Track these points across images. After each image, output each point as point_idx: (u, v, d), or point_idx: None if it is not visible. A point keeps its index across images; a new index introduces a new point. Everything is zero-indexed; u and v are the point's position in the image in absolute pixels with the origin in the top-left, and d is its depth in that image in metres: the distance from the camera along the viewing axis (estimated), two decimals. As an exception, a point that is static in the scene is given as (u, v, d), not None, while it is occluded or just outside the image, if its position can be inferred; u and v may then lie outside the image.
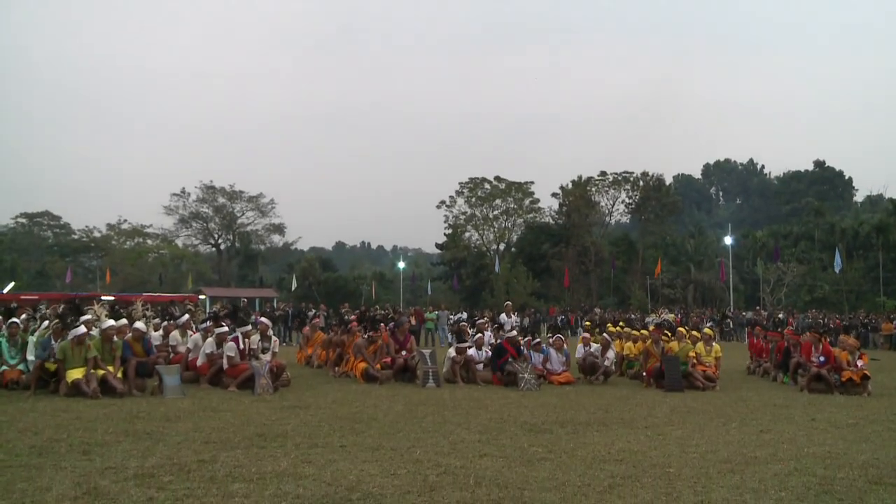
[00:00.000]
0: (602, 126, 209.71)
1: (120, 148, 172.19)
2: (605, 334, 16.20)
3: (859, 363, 13.59)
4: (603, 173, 76.52)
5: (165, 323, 15.31)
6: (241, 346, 12.70)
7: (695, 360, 14.14)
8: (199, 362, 13.02)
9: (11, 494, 5.21)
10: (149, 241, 78.85)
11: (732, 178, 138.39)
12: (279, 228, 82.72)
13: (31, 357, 11.82)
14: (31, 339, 12.17)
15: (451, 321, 30.98)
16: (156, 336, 14.23)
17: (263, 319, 14.65)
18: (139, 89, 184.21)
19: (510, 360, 14.00)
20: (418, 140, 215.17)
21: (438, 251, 79.77)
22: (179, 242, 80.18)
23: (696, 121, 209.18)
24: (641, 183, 75.71)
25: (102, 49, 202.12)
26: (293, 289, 60.32)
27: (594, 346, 15.23)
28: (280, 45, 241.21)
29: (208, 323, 14.14)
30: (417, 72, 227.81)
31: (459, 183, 77.24)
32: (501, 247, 76.75)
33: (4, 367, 11.89)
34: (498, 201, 76.78)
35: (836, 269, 50.62)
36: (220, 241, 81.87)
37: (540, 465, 6.54)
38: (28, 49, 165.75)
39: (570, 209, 73.41)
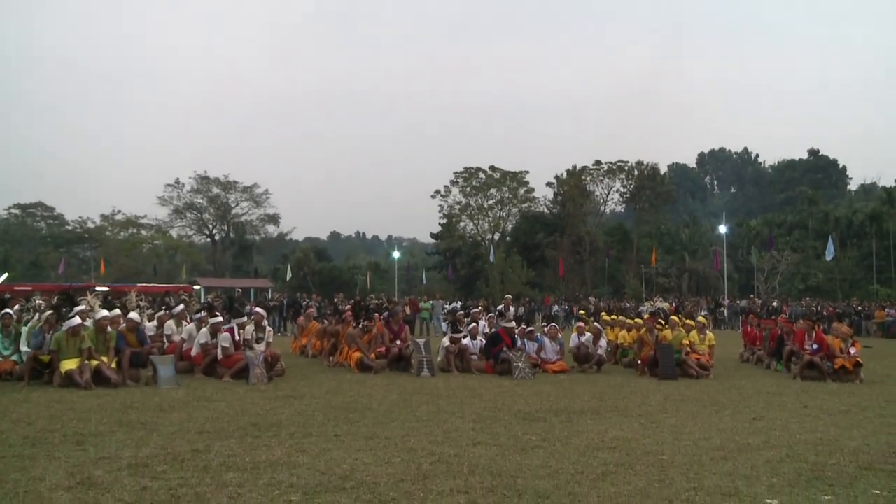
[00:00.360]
0: (597, 115, 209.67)
1: (113, 138, 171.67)
2: (596, 323, 16.20)
3: (852, 351, 13.64)
4: (597, 162, 76.62)
5: (160, 313, 15.29)
6: (237, 336, 12.70)
7: (689, 349, 14.18)
8: (193, 352, 13.03)
9: (5, 485, 5.21)
10: (143, 232, 78.59)
11: (727, 167, 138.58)
12: (274, 218, 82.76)
13: (24, 348, 11.81)
14: (24, 330, 12.15)
15: (446, 310, 31.01)
16: (150, 326, 14.24)
17: (258, 310, 14.64)
18: (131, 79, 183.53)
19: (505, 348, 14.03)
20: (413, 130, 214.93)
21: (433, 241, 79.82)
22: (174, 233, 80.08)
23: (691, 110, 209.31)
24: (636, 172, 75.84)
25: (94, 39, 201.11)
26: (288, 279, 60.26)
27: (586, 336, 15.25)
28: (279, 38, 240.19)
29: (203, 313, 14.14)
30: (412, 61, 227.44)
31: (454, 172, 77.37)
32: (496, 236, 76.84)
33: (-1, 358, 11.88)
34: (492, 191, 76.81)
35: (828, 258, 50.74)
36: (214, 231, 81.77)
37: (534, 453, 6.56)
38: (19, 39, 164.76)
39: (564, 198, 73.51)
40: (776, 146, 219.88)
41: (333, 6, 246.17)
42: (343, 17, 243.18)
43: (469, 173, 76.50)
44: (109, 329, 11.69)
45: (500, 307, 20.55)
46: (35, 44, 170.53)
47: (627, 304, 39.93)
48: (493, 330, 15.25)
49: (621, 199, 79.89)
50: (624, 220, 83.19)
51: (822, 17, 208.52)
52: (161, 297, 25.76)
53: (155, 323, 15.02)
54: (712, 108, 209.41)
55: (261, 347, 12.80)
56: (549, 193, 76.77)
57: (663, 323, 15.10)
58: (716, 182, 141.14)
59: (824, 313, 32.28)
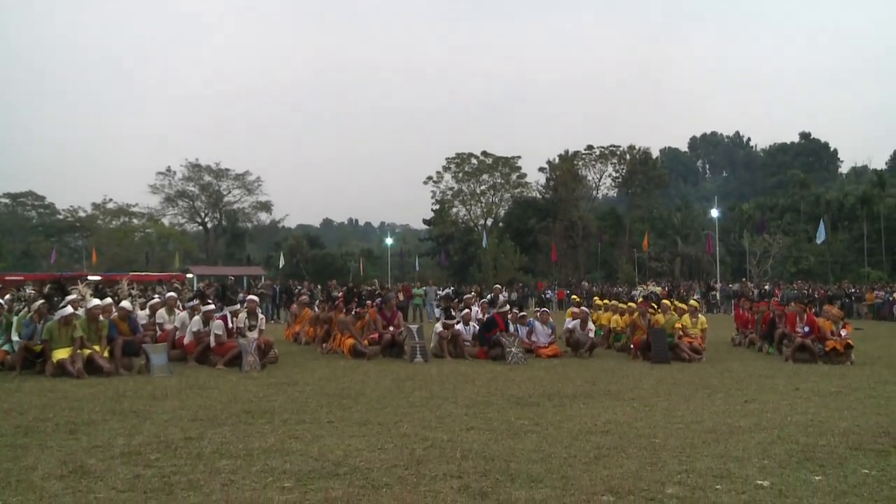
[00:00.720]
0: (589, 100, 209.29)
1: (104, 127, 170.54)
2: (582, 307, 16.10)
3: (843, 333, 13.73)
4: (590, 147, 76.62)
5: (152, 301, 15.24)
6: (230, 324, 12.68)
7: (681, 333, 14.23)
8: (186, 340, 13.01)
9: (-3, 474, 5.20)
10: (135, 221, 78.25)
11: (719, 150, 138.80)
12: (266, 206, 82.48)
13: (15, 338, 11.76)
14: (15, 320, 12.10)
15: (439, 296, 31.03)
16: (142, 315, 14.18)
17: (252, 297, 14.60)
18: (122, 67, 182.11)
19: (499, 333, 14.06)
20: (405, 116, 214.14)
21: (426, 227, 79.76)
22: (166, 221, 79.81)
23: (683, 94, 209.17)
24: (628, 157, 75.88)
25: (84, 27, 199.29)
26: (281, 266, 60.18)
27: (572, 323, 15.22)
28: (271, 24, 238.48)
29: (195, 301, 14.11)
30: (404, 47, 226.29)
31: (446, 158, 77.26)
32: (489, 222, 76.82)
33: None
34: (485, 176, 76.73)
35: (820, 241, 50.93)
36: (206, 219, 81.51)
37: (526, 437, 6.58)
38: (4, 28, 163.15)
39: (557, 183, 73.50)
40: (768, 130, 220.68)
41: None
42: (335, 1, 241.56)
43: (461, 159, 76.37)
44: (101, 318, 11.63)
45: (489, 296, 20.58)
46: (27, 33, 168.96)
47: (620, 289, 40.06)
48: (488, 315, 15.26)
49: (614, 184, 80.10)
50: (616, 204, 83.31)
51: (814, 1, 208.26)
52: (152, 287, 25.69)
53: (147, 311, 14.96)
54: (704, 92, 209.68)
55: (253, 335, 12.78)
56: (542, 179, 76.91)
57: (656, 307, 15.13)
58: (708, 166, 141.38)
59: (816, 296, 32.48)
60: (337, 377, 10.98)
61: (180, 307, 14.74)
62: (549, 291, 43.43)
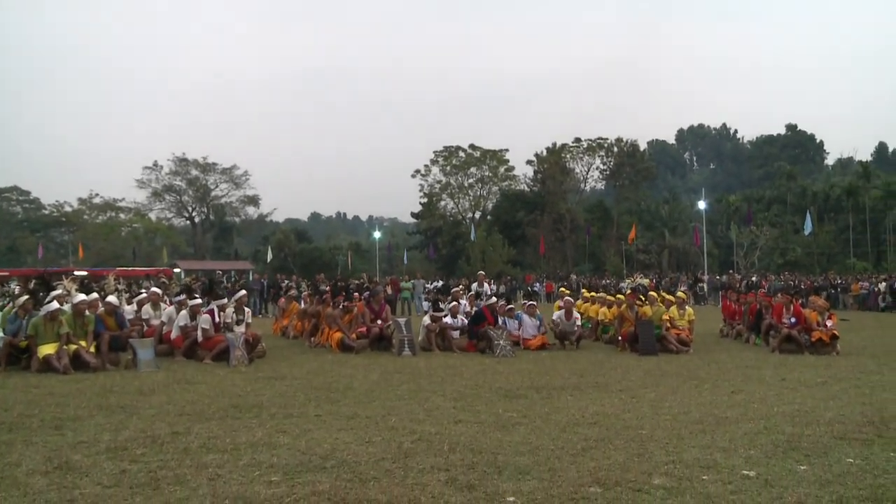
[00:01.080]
0: (576, 93, 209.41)
1: (90, 122, 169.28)
2: (567, 298, 16.12)
3: (829, 323, 13.81)
4: (577, 140, 76.62)
5: (138, 296, 15.15)
6: (217, 318, 12.63)
7: (668, 325, 14.28)
8: (173, 335, 12.94)
9: (-19, 471, 5.16)
10: (122, 216, 77.80)
11: (706, 143, 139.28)
12: (254, 200, 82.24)
13: (0, 334, 11.66)
14: (0, 315, 12.01)
15: (427, 290, 31.03)
16: (129, 310, 14.09)
17: (243, 292, 14.50)
18: (108, 62, 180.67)
19: (487, 326, 14.07)
20: (393, 109, 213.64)
21: (414, 220, 79.66)
22: (153, 216, 79.38)
23: (670, 86, 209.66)
24: (616, 149, 75.96)
25: (64, 22, 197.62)
26: (269, 260, 59.97)
27: (556, 315, 15.22)
28: (257, 19, 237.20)
29: (182, 296, 14.04)
30: (391, 40, 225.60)
31: (434, 152, 77.15)
32: (477, 215, 76.80)
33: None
34: (473, 169, 76.69)
35: (806, 232, 51.22)
36: (194, 213, 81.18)
37: (514, 429, 6.59)
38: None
39: (544, 176, 73.54)
40: (754, 122, 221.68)
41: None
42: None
43: (449, 152, 76.30)
44: (87, 313, 11.57)
45: (474, 286, 20.55)
46: (9, 25, 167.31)
47: (607, 281, 40.12)
48: (476, 308, 15.25)
49: (601, 177, 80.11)
50: (604, 197, 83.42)
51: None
52: (138, 282, 25.54)
53: (134, 306, 14.87)
54: (691, 84, 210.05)
55: (241, 329, 12.74)
56: (530, 171, 76.89)
57: (643, 299, 15.18)
58: (695, 158, 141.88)
59: (802, 287, 32.67)
60: (325, 371, 10.96)
61: (167, 302, 14.66)
62: (538, 284, 43.52)
